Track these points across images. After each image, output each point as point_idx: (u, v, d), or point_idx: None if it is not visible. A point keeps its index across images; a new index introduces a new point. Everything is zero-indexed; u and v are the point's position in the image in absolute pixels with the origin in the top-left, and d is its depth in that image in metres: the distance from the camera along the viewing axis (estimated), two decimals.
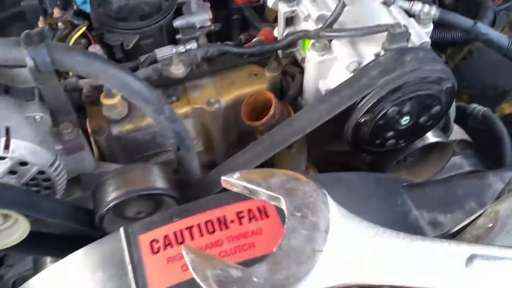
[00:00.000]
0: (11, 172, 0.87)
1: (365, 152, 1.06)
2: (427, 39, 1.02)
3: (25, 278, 1.18)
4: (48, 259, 1.06)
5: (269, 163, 1.25)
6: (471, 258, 0.54)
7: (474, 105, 1.44)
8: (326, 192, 0.59)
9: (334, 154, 1.36)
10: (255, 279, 0.53)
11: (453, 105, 1.18)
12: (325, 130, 1.00)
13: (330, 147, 1.33)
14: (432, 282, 0.53)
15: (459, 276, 0.53)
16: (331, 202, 0.58)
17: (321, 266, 0.53)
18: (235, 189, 0.63)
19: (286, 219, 0.57)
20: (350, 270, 0.53)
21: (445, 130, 1.26)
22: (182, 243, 0.76)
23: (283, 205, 0.58)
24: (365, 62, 0.98)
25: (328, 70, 1.05)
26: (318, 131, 0.97)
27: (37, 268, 1.08)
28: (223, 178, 0.64)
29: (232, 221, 0.78)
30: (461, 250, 0.55)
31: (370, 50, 1.00)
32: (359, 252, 0.54)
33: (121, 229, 0.78)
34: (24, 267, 1.16)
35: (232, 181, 0.63)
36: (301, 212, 0.57)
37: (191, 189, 1.06)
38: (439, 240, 0.56)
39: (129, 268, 0.74)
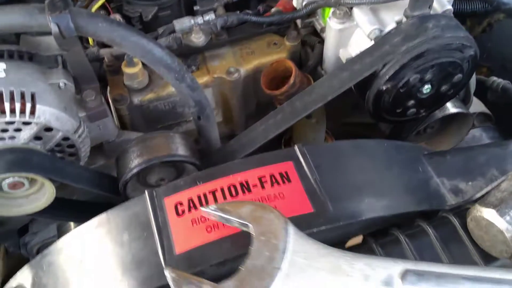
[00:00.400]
0: (37, 138, 0.89)
1: (385, 121, 1.06)
2: (449, 6, 1.01)
3: (49, 246, 1.21)
4: (72, 225, 1.09)
5: (289, 135, 1.26)
6: (405, 273, 0.62)
7: (494, 78, 1.42)
8: (288, 220, 0.67)
9: (352, 126, 1.36)
10: None
11: (473, 77, 1.17)
12: (345, 100, 1.00)
13: (348, 118, 1.33)
14: None
15: None
16: (290, 228, 0.66)
17: (279, 281, 0.62)
18: (212, 218, 0.72)
19: (252, 243, 0.65)
20: (305, 285, 0.63)
21: (465, 102, 1.25)
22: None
23: (251, 230, 0.67)
24: (386, 30, 0.98)
25: (348, 39, 1.04)
26: (338, 101, 0.97)
27: (61, 235, 1.10)
28: (202, 209, 0.72)
29: (254, 186, 0.79)
30: (397, 265, 0.63)
31: (391, 17, 0.99)
32: (312, 269, 0.63)
33: (146, 192, 0.79)
34: (48, 234, 1.19)
35: (209, 212, 0.70)
36: (265, 237, 0.65)
37: (210, 158, 1.07)
38: (377, 257, 0.66)
39: (155, 229, 0.75)
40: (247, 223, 0.67)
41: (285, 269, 0.63)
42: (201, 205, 0.78)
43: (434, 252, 0.75)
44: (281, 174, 0.80)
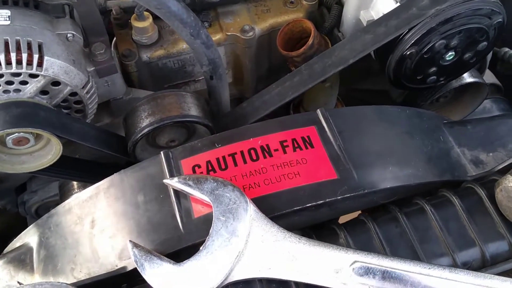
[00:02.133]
0: (43, 92, 0.84)
1: (404, 88, 1.03)
2: None
3: (48, 205, 1.18)
4: (76, 185, 1.05)
5: (299, 99, 1.22)
6: (354, 263, 0.65)
7: (506, 49, 1.39)
8: (248, 200, 0.68)
9: (362, 93, 1.32)
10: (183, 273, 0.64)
11: None
12: (358, 65, 0.96)
13: (360, 85, 1.30)
14: (321, 281, 0.65)
15: (344, 278, 0.64)
16: (251, 208, 0.67)
17: (236, 262, 0.65)
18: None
19: (213, 222, 0.66)
20: (260, 267, 0.65)
21: (480, 71, 1.22)
22: (225, 169, 0.74)
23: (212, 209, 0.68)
24: None
25: (371, 0, 0.99)
26: (350, 68, 0.93)
27: (63, 194, 1.06)
28: (164, 181, 0.72)
29: (276, 150, 0.76)
30: (347, 255, 0.65)
31: None
32: (268, 252, 0.66)
33: (162, 153, 0.76)
34: (49, 193, 1.15)
35: (172, 183, 0.71)
36: (225, 217, 0.67)
37: (221, 120, 1.03)
38: (331, 246, 0.66)
39: (172, 192, 0.72)
40: (208, 200, 0.68)
41: (242, 250, 0.65)
42: (220, 168, 0.74)
43: (459, 222, 0.74)
44: (303, 139, 0.77)
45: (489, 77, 1.37)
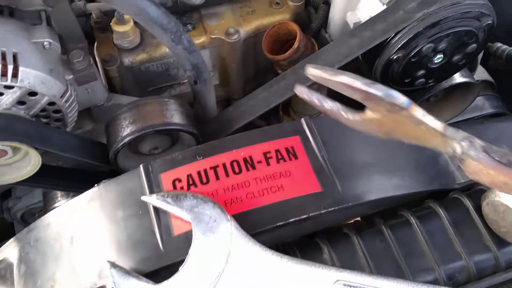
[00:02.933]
0: (20, 102, 0.82)
1: None
2: None
3: (33, 211, 1.16)
4: (59, 193, 1.03)
5: (287, 100, 1.20)
6: (337, 282, 0.63)
7: (499, 44, 1.37)
8: (229, 217, 0.66)
9: None
10: None
11: None
12: (348, 67, 0.94)
13: None
14: None
15: None
16: (232, 226, 0.65)
17: (216, 282, 0.63)
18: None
19: (192, 241, 0.64)
20: (241, 287, 0.63)
21: (471, 69, 1.20)
22: (207, 183, 0.72)
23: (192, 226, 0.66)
24: None
25: (358, 1, 0.97)
26: (343, 66, 0.91)
27: (47, 202, 1.04)
28: (142, 198, 0.70)
29: (259, 162, 0.74)
30: (330, 274, 0.63)
31: None
32: (249, 271, 0.64)
33: (141, 167, 0.74)
34: (33, 200, 1.13)
35: (151, 201, 0.69)
36: (205, 235, 0.65)
37: (207, 125, 1.01)
38: (313, 264, 0.64)
39: (151, 208, 0.70)
40: (187, 218, 0.66)
41: (222, 270, 0.63)
42: (201, 182, 0.73)
43: (445, 235, 0.73)
44: (287, 150, 0.75)
45: (481, 73, 1.34)
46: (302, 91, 0.66)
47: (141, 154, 0.93)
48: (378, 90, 0.56)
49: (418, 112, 0.55)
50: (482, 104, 1.31)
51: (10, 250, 0.82)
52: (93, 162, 0.90)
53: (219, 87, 1.16)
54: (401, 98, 0.56)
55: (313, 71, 0.60)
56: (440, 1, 0.85)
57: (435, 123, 0.54)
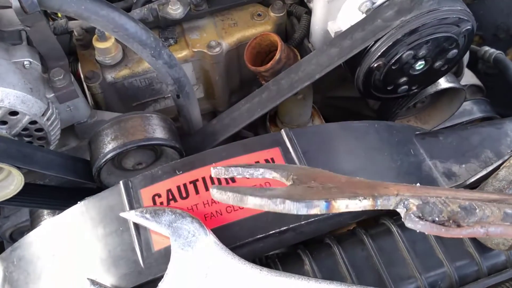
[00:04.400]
0: (1, 122, 0.82)
1: (375, 98, 1.01)
2: None
3: (22, 230, 1.16)
4: (45, 211, 1.03)
5: (274, 110, 1.20)
6: None
7: (486, 48, 1.37)
8: (208, 231, 0.66)
9: (339, 100, 1.30)
10: None
11: None
12: (332, 75, 0.94)
13: (335, 92, 1.28)
14: None
15: None
16: (210, 240, 0.66)
17: None
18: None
19: (171, 256, 0.65)
20: None
21: (457, 74, 1.20)
22: (186, 197, 0.72)
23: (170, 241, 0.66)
24: (378, 2, 0.91)
25: (338, 11, 0.97)
26: (325, 76, 0.91)
27: (33, 220, 1.04)
28: (121, 214, 0.70)
29: None
30: (309, 285, 0.62)
31: None
32: (228, 285, 0.64)
33: (121, 183, 0.74)
34: (21, 219, 1.12)
35: (129, 217, 0.69)
36: (184, 250, 0.65)
37: (192, 138, 1.01)
38: (292, 275, 0.64)
39: (131, 224, 0.70)
40: (166, 234, 0.66)
41: (202, 284, 0.63)
42: (181, 197, 0.73)
43: (427, 243, 0.72)
44: (267, 162, 0.75)
45: (469, 77, 1.35)
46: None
47: (126, 170, 0.93)
48: (289, 207, 0.51)
49: (341, 206, 0.52)
50: (471, 109, 1.31)
51: None
52: (77, 180, 0.90)
53: (204, 100, 1.17)
54: (316, 207, 0.51)
55: (218, 196, 0.56)
56: (417, 9, 0.85)
57: (363, 204, 0.52)
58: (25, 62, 0.84)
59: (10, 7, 0.76)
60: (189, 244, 0.66)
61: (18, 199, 0.89)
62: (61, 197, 0.97)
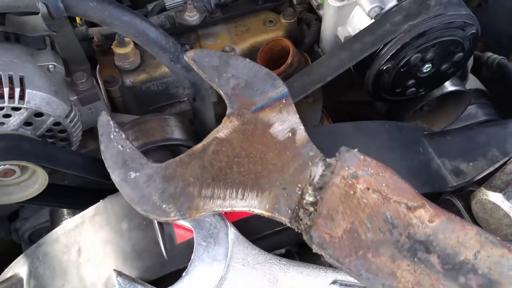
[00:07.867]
0: (27, 123, 0.85)
1: (384, 100, 1.04)
2: None
3: (40, 231, 1.19)
4: (65, 211, 1.06)
5: None
6: (334, 282, 0.67)
7: (489, 54, 1.40)
8: (229, 223, 0.69)
9: (348, 104, 1.34)
10: None
11: None
12: (341, 78, 0.98)
13: (344, 96, 1.31)
14: None
15: None
16: (231, 232, 0.69)
17: (221, 287, 0.66)
18: None
19: (194, 248, 0.68)
20: None
21: (462, 78, 1.23)
22: None
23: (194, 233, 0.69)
24: (387, 8, 0.94)
25: (347, 17, 1.01)
26: (334, 80, 0.95)
27: (53, 220, 1.07)
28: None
29: None
30: (327, 275, 0.67)
31: None
32: (249, 275, 0.67)
33: None
34: (40, 220, 1.16)
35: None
36: (206, 242, 0.68)
37: None
38: (310, 265, 0.68)
39: None
40: (189, 226, 0.69)
41: (224, 275, 0.66)
42: None
43: None
44: None
45: (473, 82, 1.38)
46: None
47: None
48: None
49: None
50: (475, 112, 1.35)
51: (20, 266, 0.85)
52: (97, 179, 0.93)
53: (218, 104, 1.20)
54: None
55: None
56: (424, 13, 0.89)
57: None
58: (50, 66, 0.88)
59: (35, 13, 0.81)
60: (211, 236, 0.69)
61: (41, 199, 0.92)
62: (81, 197, 1.00)
